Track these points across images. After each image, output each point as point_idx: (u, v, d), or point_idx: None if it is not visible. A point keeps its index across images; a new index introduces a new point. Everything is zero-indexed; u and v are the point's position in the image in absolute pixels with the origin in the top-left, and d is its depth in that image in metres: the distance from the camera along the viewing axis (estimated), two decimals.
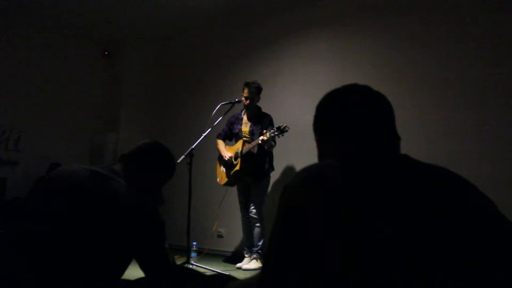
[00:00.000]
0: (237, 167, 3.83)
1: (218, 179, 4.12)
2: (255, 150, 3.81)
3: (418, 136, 3.46)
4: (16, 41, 5.86)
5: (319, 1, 4.56)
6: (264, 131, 3.73)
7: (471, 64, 3.42)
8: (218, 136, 4.17)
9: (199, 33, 5.97)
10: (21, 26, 5.85)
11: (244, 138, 3.91)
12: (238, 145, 3.94)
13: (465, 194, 0.80)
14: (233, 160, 3.92)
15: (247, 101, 3.91)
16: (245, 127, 4.01)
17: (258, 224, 3.83)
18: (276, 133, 3.56)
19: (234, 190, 4.14)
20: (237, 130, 4.05)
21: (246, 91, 3.92)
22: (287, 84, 4.70)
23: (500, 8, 3.32)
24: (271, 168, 3.97)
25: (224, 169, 4.04)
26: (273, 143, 3.75)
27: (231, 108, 3.94)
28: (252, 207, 3.85)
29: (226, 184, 4.03)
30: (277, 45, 4.91)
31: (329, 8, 4.47)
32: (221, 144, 4.13)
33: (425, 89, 3.65)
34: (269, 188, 4.04)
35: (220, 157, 4.07)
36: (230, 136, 4.12)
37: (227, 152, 4.00)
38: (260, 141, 3.66)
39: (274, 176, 4.05)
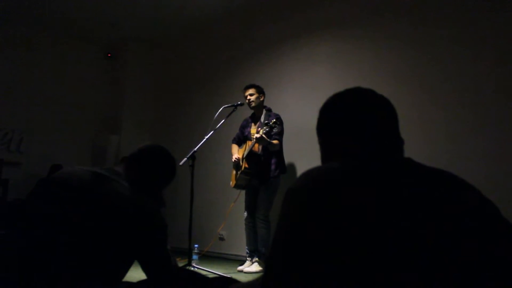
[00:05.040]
0: (242, 168, 3.85)
1: (231, 182, 4.13)
2: (258, 150, 3.83)
3: (418, 136, 3.45)
4: (19, 43, 5.88)
5: (319, 5, 4.57)
6: (259, 129, 3.77)
7: (471, 64, 3.42)
8: (232, 141, 4.24)
9: (201, 36, 5.98)
10: (24, 28, 5.88)
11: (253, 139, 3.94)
12: (245, 147, 3.99)
13: (467, 197, 0.80)
14: (240, 161, 3.94)
15: (248, 98, 3.99)
16: (253, 128, 4.04)
17: (264, 228, 3.82)
18: (267, 129, 3.61)
19: (242, 194, 4.14)
20: (246, 133, 4.09)
21: (246, 92, 4.03)
22: (288, 87, 4.71)
23: (500, 8, 3.32)
24: (280, 170, 3.91)
25: (235, 172, 4.06)
26: (273, 143, 3.76)
27: (233, 111, 3.94)
28: (259, 210, 3.85)
29: (236, 186, 4.03)
30: (278, 48, 4.91)
31: (330, 11, 4.48)
32: (233, 148, 4.18)
33: (426, 90, 3.65)
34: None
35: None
36: (243, 139, 4.14)
37: (235, 154, 4.03)
38: (254, 139, 3.70)
39: None
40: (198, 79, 5.95)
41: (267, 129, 3.63)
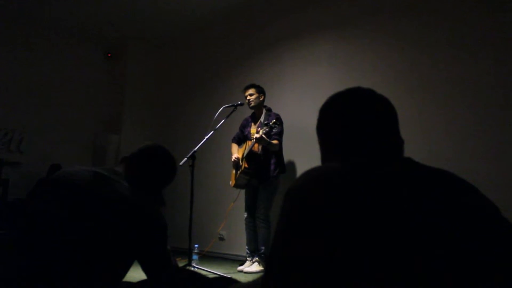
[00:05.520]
0: (242, 168, 3.85)
1: (230, 182, 4.14)
2: (258, 150, 3.84)
3: (418, 136, 3.46)
4: (19, 42, 5.88)
5: (319, 5, 4.57)
6: (258, 129, 3.78)
7: (471, 64, 3.42)
8: (232, 140, 4.25)
9: (201, 35, 5.99)
10: (24, 28, 5.88)
11: (253, 139, 3.95)
12: (245, 146, 4.00)
13: (467, 197, 0.80)
14: (240, 161, 3.94)
15: (247, 98, 4.00)
16: (253, 128, 4.04)
17: (264, 228, 3.82)
18: (267, 130, 3.61)
19: (241, 193, 4.15)
20: (246, 133, 4.09)
21: (246, 92, 4.05)
22: (288, 87, 4.71)
23: (500, 8, 3.32)
24: (279, 170, 3.92)
25: (234, 171, 4.06)
26: (272, 143, 3.76)
27: (233, 111, 3.95)
28: (259, 210, 3.85)
29: (235, 186, 4.03)
30: (278, 48, 4.91)
31: (330, 11, 4.48)
32: (233, 147, 4.19)
33: (425, 90, 3.65)
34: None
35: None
36: (243, 139, 4.14)
37: (235, 154, 4.03)
38: (254, 139, 3.71)
39: None
40: (198, 79, 5.95)
41: (267, 130, 3.64)
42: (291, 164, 4.33)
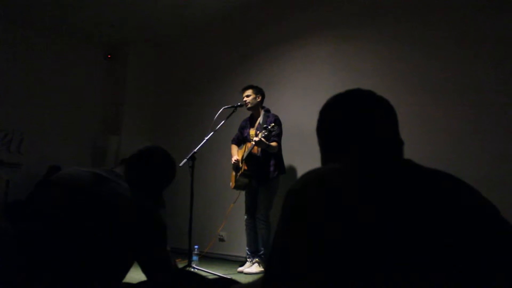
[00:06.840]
0: (242, 170, 3.85)
1: (231, 183, 4.13)
2: (258, 152, 3.85)
3: (418, 136, 3.46)
4: (19, 44, 5.89)
5: (320, 5, 4.57)
6: (257, 132, 3.77)
7: (471, 65, 3.42)
8: (232, 141, 4.24)
9: (201, 36, 5.99)
10: (24, 29, 5.89)
11: (252, 142, 3.94)
12: (244, 148, 4.01)
13: (467, 199, 0.80)
14: (239, 163, 3.94)
15: (245, 99, 4.00)
16: (252, 130, 4.04)
17: (264, 229, 3.82)
18: (266, 133, 3.61)
19: (241, 195, 4.14)
20: (246, 134, 4.08)
21: (243, 93, 4.04)
22: (288, 87, 4.71)
23: (500, 8, 3.32)
24: (279, 171, 3.91)
25: (234, 173, 4.06)
26: (271, 145, 3.76)
27: (233, 111, 3.94)
28: (259, 211, 3.85)
29: (235, 187, 4.03)
30: (278, 49, 4.91)
31: (330, 11, 4.48)
32: (233, 148, 4.18)
33: (426, 90, 3.65)
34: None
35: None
36: (242, 140, 4.14)
37: (235, 156, 4.03)
38: (253, 142, 3.71)
39: None
40: (198, 79, 5.95)
41: (266, 133, 3.63)
42: (291, 165, 4.32)
